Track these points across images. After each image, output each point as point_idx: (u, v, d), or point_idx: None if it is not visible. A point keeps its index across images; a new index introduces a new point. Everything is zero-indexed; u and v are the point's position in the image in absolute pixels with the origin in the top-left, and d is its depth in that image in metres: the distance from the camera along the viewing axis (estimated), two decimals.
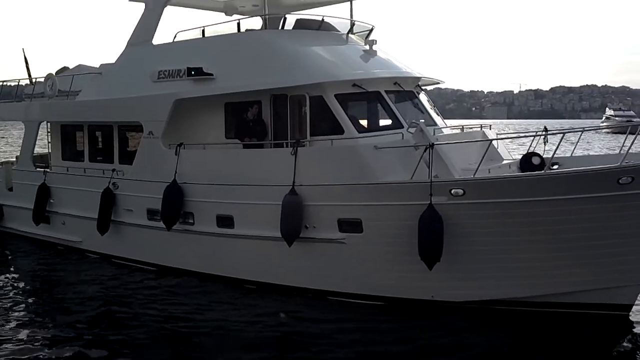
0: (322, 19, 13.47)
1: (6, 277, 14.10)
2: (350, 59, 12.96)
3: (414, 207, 10.22)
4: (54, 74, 17.48)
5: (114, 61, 15.67)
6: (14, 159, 19.81)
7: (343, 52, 13.14)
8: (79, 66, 18.31)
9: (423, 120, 11.61)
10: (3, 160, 21.07)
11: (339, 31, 13.85)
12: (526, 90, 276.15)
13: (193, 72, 13.01)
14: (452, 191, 10.01)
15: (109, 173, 14.87)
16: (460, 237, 10.15)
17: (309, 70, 12.11)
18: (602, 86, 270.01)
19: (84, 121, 16.11)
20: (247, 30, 14.20)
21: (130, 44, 15.22)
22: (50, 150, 17.80)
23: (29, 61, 20.25)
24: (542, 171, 10.16)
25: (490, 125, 13.97)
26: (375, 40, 13.42)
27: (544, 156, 12.52)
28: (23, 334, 10.35)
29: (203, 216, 12.96)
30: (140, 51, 14.88)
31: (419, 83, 14.16)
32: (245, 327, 10.58)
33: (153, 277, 13.77)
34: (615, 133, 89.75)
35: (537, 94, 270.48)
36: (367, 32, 14.27)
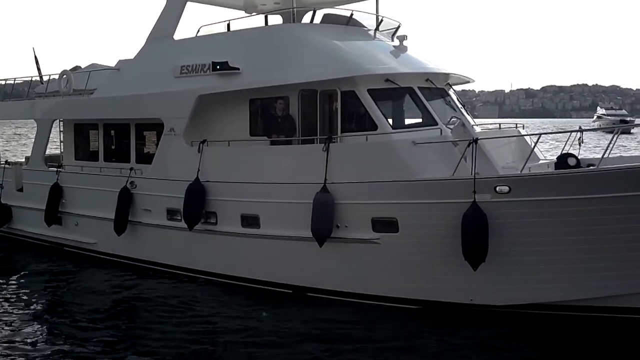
0: (352, 14, 12.95)
1: (18, 281, 13.50)
2: (381, 54, 12.45)
3: (456, 206, 9.73)
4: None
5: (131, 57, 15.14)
6: (23, 160, 19.22)
7: (374, 47, 12.63)
8: (93, 64, 17.76)
9: (464, 115, 11.10)
10: (11, 160, 20.39)
11: (366, 27, 13.37)
12: (517, 89, 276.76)
13: (218, 67, 12.47)
14: (497, 188, 9.53)
15: (126, 172, 14.32)
16: (504, 237, 9.66)
17: (341, 64, 11.59)
18: (593, 85, 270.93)
19: (100, 119, 15.52)
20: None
21: (150, 39, 14.64)
22: (62, 150, 17.21)
23: (39, 60, 19.69)
24: (596, 167, 9.61)
25: (523, 125, 13.51)
26: (406, 36, 12.93)
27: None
28: (40, 338, 9.94)
29: (227, 216, 12.43)
30: (161, 46, 14.30)
31: (449, 81, 13.67)
32: (274, 333, 10.05)
33: (173, 279, 13.23)
34: (608, 133, 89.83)
35: (528, 93, 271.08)
36: (394, 29, 13.78)
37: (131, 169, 14.23)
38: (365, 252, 10.81)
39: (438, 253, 10.21)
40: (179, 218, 13.11)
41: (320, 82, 11.62)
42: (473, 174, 9.64)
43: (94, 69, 16.83)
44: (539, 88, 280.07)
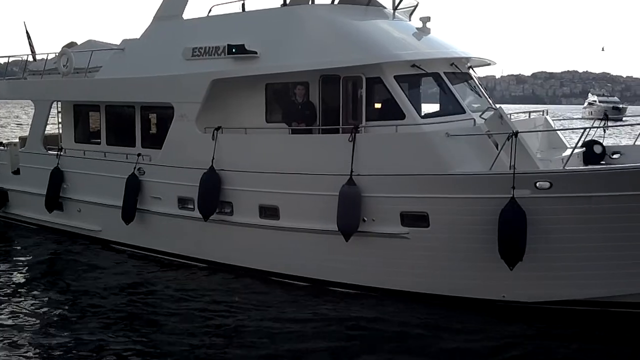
0: None
1: (16, 271, 13.04)
2: (406, 38, 12.00)
3: (493, 201, 9.41)
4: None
5: (133, 37, 14.61)
6: (17, 141, 18.59)
7: (398, 29, 12.14)
8: (90, 42, 17.14)
9: (499, 106, 10.75)
10: (6, 141, 19.74)
11: (385, 7, 12.91)
12: (508, 75, 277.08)
13: (234, 50, 11.95)
14: (538, 184, 9.22)
15: (132, 157, 13.83)
16: (542, 234, 9.37)
17: (366, 49, 11.13)
18: (583, 72, 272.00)
19: (102, 101, 14.95)
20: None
21: (157, 18, 14.05)
22: (60, 132, 16.64)
23: (31, 36, 18.97)
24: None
25: (547, 111, 13.16)
26: (429, 17, 12.46)
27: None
28: (39, 332, 9.57)
29: (243, 206, 12.03)
30: (170, 26, 13.71)
31: (469, 64, 13.27)
32: (291, 327, 9.76)
33: (184, 270, 12.85)
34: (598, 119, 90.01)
35: (518, 79, 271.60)
36: (412, 7, 13.33)
37: (139, 154, 13.75)
38: (393, 247, 10.48)
39: (471, 249, 9.91)
40: (192, 207, 12.70)
41: (344, 68, 11.17)
42: (513, 169, 9.30)
43: (90, 46, 16.23)
44: (529, 74, 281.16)
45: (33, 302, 11.01)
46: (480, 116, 10.94)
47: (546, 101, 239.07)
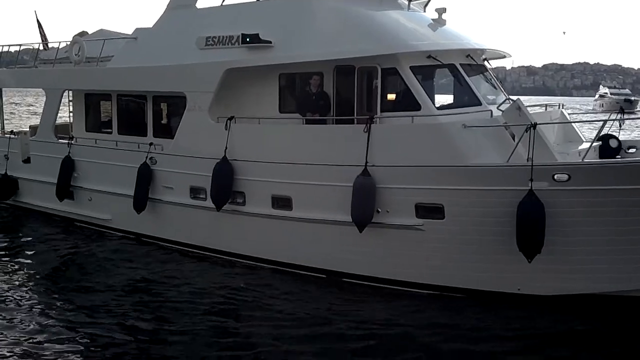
0: None
1: (28, 259, 13.12)
2: (422, 28, 11.96)
3: (511, 193, 9.40)
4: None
5: (147, 26, 14.58)
6: (28, 130, 18.67)
7: (414, 20, 12.09)
8: (101, 31, 17.17)
9: (517, 98, 10.70)
10: (16, 130, 19.80)
11: None
12: (518, 66, 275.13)
13: (248, 39, 11.93)
14: (556, 176, 9.19)
15: (143, 147, 13.87)
16: (560, 227, 9.36)
17: (382, 39, 11.10)
18: (594, 64, 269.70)
19: (114, 90, 14.98)
20: None
21: (171, 7, 14.05)
22: (71, 121, 16.68)
23: (42, 25, 18.99)
24: None
25: (563, 104, 13.09)
26: (445, 9, 12.41)
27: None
28: (49, 321, 9.62)
29: (256, 196, 12.06)
30: (184, 15, 13.71)
31: (484, 56, 13.21)
32: (304, 321, 9.78)
33: (195, 260, 12.93)
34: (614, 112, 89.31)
35: (529, 70, 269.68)
36: (426, 1, 13.28)
37: (150, 144, 13.78)
38: (407, 239, 10.48)
39: (486, 242, 9.91)
40: (204, 197, 12.74)
41: (359, 58, 11.14)
42: (531, 161, 9.27)
43: (101, 35, 16.24)
44: (540, 66, 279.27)
45: (39, 290, 11.09)
46: (497, 108, 10.89)
47: (557, 93, 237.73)
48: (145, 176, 13.62)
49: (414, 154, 10.27)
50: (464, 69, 11.65)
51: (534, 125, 9.46)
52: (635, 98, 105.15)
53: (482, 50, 12.76)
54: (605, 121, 10.08)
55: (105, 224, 15.04)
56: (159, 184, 13.59)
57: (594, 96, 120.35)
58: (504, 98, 12.39)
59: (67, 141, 15.64)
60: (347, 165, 10.72)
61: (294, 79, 12.33)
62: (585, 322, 9.51)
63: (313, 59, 11.39)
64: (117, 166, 14.33)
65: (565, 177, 9.15)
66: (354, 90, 11.39)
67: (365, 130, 10.60)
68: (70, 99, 16.55)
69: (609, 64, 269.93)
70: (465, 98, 11.47)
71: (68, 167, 15.34)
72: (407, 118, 10.67)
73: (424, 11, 13.18)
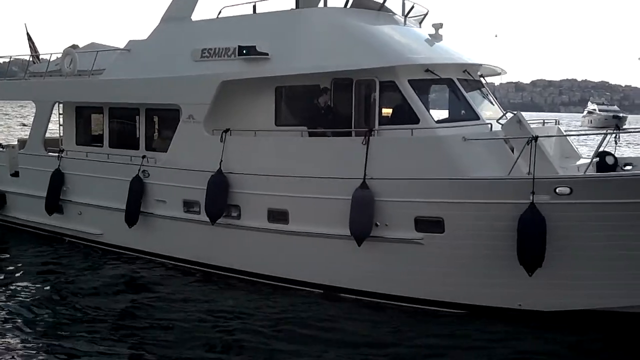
0: (385, 0, 12.43)
1: (15, 276, 12.83)
2: (419, 43, 12.06)
3: (512, 207, 9.42)
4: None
5: (139, 38, 14.57)
6: (16, 143, 18.50)
7: (410, 35, 12.21)
8: (92, 44, 17.11)
9: (518, 111, 10.76)
10: (4, 142, 19.64)
11: (396, 14, 12.94)
12: (507, 82, 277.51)
13: (245, 51, 11.95)
14: (558, 189, 9.23)
15: (135, 160, 13.79)
16: (561, 241, 9.38)
17: (381, 52, 11.17)
18: (582, 80, 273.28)
19: (107, 102, 14.91)
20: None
21: (165, 19, 14.06)
22: (61, 134, 16.56)
23: (32, 38, 18.91)
24: None
25: (559, 120, 13.22)
26: (442, 24, 12.53)
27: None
28: (38, 340, 9.41)
29: (251, 210, 12.01)
30: (178, 27, 13.72)
31: (480, 72, 13.30)
32: (298, 334, 9.72)
33: (188, 275, 12.80)
34: (598, 127, 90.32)
35: (517, 86, 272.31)
36: (422, 16, 13.40)
37: (143, 156, 13.71)
38: (406, 253, 10.46)
39: (487, 256, 9.91)
40: (197, 210, 12.67)
41: (357, 71, 11.18)
42: (533, 174, 9.30)
43: (93, 48, 16.19)
44: (528, 82, 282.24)
45: (29, 308, 10.81)
46: (497, 121, 10.95)
47: (545, 109, 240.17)
48: (138, 189, 13.54)
49: (414, 167, 10.29)
50: (461, 84, 11.72)
51: (535, 138, 9.51)
52: (624, 114, 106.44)
53: (478, 66, 12.87)
54: (605, 134, 10.16)
55: (96, 238, 14.90)
56: (152, 198, 13.51)
57: (582, 112, 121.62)
58: (501, 113, 12.48)
59: (57, 154, 15.51)
60: (345, 178, 10.71)
61: (291, 92, 12.33)
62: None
63: (311, 72, 11.42)
64: (108, 179, 14.23)
65: (567, 190, 9.19)
66: (352, 103, 11.41)
67: (364, 142, 10.61)
68: (61, 112, 16.43)
69: (596, 80, 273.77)
70: (463, 112, 11.53)
71: (58, 180, 15.22)
72: (405, 131, 10.69)
73: (420, 27, 13.28)
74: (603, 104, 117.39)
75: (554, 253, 9.35)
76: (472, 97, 12.04)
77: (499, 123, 10.89)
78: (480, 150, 10.15)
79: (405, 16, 12.77)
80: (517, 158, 9.59)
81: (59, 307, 10.94)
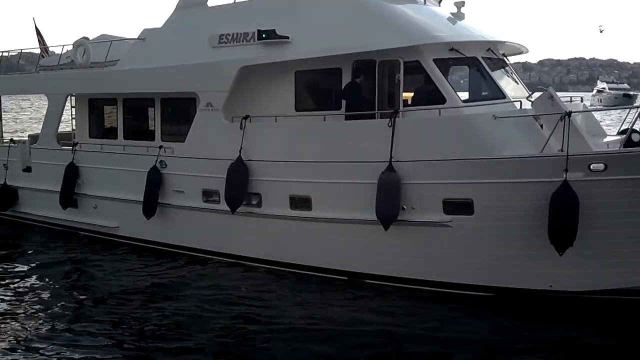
0: None
1: (32, 272, 12.81)
2: (442, 21, 11.94)
3: (544, 185, 9.36)
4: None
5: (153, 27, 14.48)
6: (27, 138, 18.49)
7: (432, 13, 12.08)
8: (103, 36, 17.02)
9: (550, 87, 10.67)
10: (16, 138, 19.61)
11: None
12: (514, 62, 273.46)
13: (265, 35, 11.87)
14: (592, 166, 9.15)
15: (152, 151, 13.76)
16: (594, 219, 9.31)
17: (405, 31, 11.06)
18: (590, 59, 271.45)
19: (120, 93, 14.85)
20: None
21: (180, 6, 13.97)
22: (74, 127, 16.52)
23: (41, 32, 18.84)
24: None
25: (583, 98, 13.11)
26: (464, 2, 12.40)
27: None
28: (60, 335, 9.41)
29: (273, 197, 11.98)
30: (194, 14, 13.63)
31: (503, 50, 13.17)
32: (329, 325, 9.65)
33: (209, 266, 12.80)
34: (609, 106, 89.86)
35: (525, 66, 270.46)
36: None
37: (160, 146, 13.68)
38: (435, 236, 10.42)
39: (518, 236, 9.86)
40: (217, 200, 12.64)
41: (380, 52, 11.09)
42: (567, 151, 9.22)
43: (104, 40, 16.10)
44: (536, 62, 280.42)
45: (46, 305, 10.82)
46: (527, 99, 10.85)
47: (553, 89, 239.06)
48: (155, 180, 13.52)
49: (441, 148, 10.23)
50: (486, 62, 11.61)
51: (569, 114, 9.41)
52: (634, 92, 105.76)
53: (502, 44, 12.75)
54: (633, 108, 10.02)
55: (112, 232, 14.89)
56: (170, 188, 13.48)
57: (590, 91, 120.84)
58: (526, 92, 12.38)
59: (70, 147, 15.49)
60: (371, 162, 10.65)
61: (310, 76, 12.24)
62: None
63: (334, 53, 11.32)
64: (124, 171, 14.20)
65: (602, 166, 9.12)
66: (375, 85, 11.32)
67: (390, 124, 10.54)
68: (73, 104, 16.39)
69: (604, 58, 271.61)
70: (486, 93, 11.44)
71: (72, 173, 15.20)
72: (432, 112, 10.60)
73: (439, 6, 13.16)
74: (613, 82, 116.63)
75: (586, 231, 9.28)
76: (497, 75, 11.95)
77: (529, 100, 10.77)
78: (510, 128, 10.07)
79: None
80: (550, 135, 9.49)
81: (75, 304, 10.91)
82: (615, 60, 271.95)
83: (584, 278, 9.85)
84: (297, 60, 11.87)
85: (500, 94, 11.22)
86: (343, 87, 11.59)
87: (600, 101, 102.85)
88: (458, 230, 10.25)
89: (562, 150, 9.36)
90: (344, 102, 11.68)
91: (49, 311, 10.47)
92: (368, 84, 11.45)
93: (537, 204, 9.45)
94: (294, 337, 9.26)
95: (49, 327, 9.76)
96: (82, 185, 15.25)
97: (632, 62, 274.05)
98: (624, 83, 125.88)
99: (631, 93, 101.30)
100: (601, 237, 9.52)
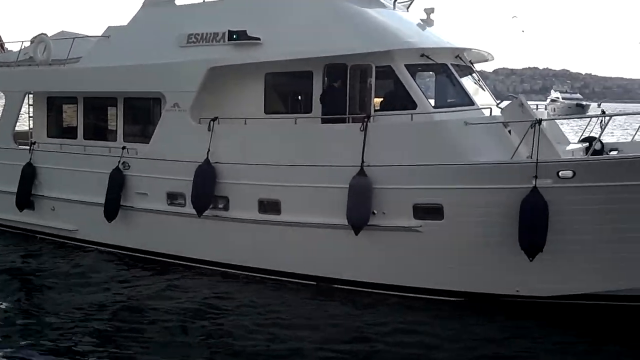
0: None
1: None
2: (412, 27, 12.11)
3: (514, 191, 9.57)
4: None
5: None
6: None
7: (402, 19, 12.25)
8: (62, 32, 16.65)
9: (520, 94, 10.90)
10: None
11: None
12: None
13: (235, 36, 11.81)
14: (560, 173, 9.39)
15: (115, 151, 13.51)
16: (562, 225, 9.56)
17: (377, 36, 11.17)
18: (544, 69, 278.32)
19: (82, 92, 14.55)
20: None
21: (147, 4, 13.78)
22: (31, 126, 16.09)
23: None
24: None
25: (546, 105, 13.44)
26: (433, 9, 12.61)
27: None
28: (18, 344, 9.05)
29: (241, 201, 11.91)
30: (161, 12, 13.48)
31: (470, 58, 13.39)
32: (296, 330, 9.61)
33: (171, 271, 12.53)
34: (563, 116, 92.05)
35: (480, 75, 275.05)
36: (410, 1, 13.45)
37: (123, 147, 13.44)
38: (405, 241, 10.52)
39: (487, 242, 10.04)
40: (183, 203, 12.50)
41: (351, 56, 11.16)
42: (536, 158, 9.44)
43: (64, 36, 15.76)
44: (491, 70, 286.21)
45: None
46: (497, 106, 11.07)
47: (507, 97, 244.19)
48: (117, 182, 13.28)
49: (412, 153, 10.36)
50: (454, 69, 11.81)
51: (539, 121, 9.65)
52: (587, 102, 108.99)
53: (470, 51, 12.99)
54: (609, 116, 10.33)
55: (71, 235, 14.55)
56: (132, 191, 13.26)
57: (544, 100, 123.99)
58: (492, 99, 12.64)
59: (28, 147, 15.09)
60: (342, 166, 10.69)
61: (280, 79, 12.24)
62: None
63: (306, 57, 11.34)
64: (85, 172, 13.90)
65: (570, 173, 9.37)
66: (346, 89, 11.37)
67: (362, 129, 10.61)
68: (31, 103, 15.97)
69: (557, 69, 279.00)
70: (457, 98, 11.63)
71: (29, 174, 14.82)
72: (403, 117, 10.73)
73: (407, 12, 13.33)
74: (566, 92, 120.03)
75: (555, 237, 9.52)
76: (465, 82, 12.16)
77: (499, 107, 11.00)
78: (480, 135, 10.27)
79: (395, 1, 12.80)
80: (521, 142, 9.71)
81: (30, 307, 10.66)
82: (568, 71, 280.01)
83: (549, 283, 10.08)
84: (268, 62, 11.84)
85: (468, 101, 11.42)
86: (323, 91, 11.57)
87: (554, 110, 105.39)
88: (428, 235, 10.38)
89: (531, 157, 9.59)
90: (314, 106, 11.70)
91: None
92: (338, 87, 11.48)
93: (506, 211, 9.65)
94: (254, 344, 9.12)
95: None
96: (39, 187, 14.88)
97: (583, 73, 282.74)
98: (576, 93, 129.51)
99: (584, 103, 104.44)
100: (569, 243, 9.77)
